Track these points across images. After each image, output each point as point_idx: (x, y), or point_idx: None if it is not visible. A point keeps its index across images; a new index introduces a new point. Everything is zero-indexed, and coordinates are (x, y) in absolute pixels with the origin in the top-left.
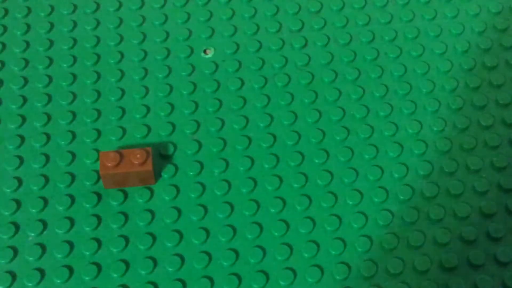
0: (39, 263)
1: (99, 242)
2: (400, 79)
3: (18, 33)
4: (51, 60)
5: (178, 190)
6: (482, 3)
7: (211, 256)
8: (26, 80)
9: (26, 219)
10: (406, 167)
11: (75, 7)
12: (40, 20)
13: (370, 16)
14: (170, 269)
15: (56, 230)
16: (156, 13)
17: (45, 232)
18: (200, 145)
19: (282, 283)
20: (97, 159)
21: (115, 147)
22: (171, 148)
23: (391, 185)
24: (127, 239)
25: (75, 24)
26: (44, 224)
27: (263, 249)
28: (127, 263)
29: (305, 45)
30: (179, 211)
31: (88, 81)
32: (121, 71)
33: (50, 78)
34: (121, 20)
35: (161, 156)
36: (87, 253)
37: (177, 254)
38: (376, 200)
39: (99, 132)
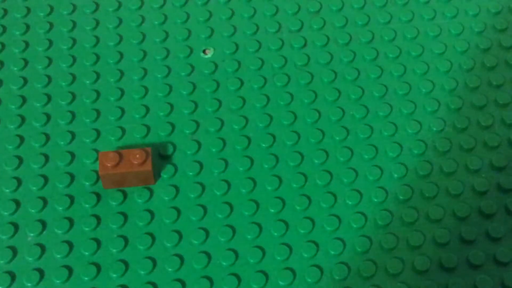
0: (39, 263)
1: (98, 242)
2: (399, 79)
3: (17, 33)
4: (50, 60)
5: (177, 190)
6: (481, 3)
7: (211, 256)
8: (25, 80)
9: (26, 220)
10: (405, 167)
11: (75, 7)
12: (40, 20)
13: (369, 16)
14: (170, 269)
15: (55, 230)
16: (156, 13)
17: (44, 232)
18: (199, 145)
19: (281, 283)
20: (97, 159)
21: (115, 147)
22: (171, 148)
23: (391, 185)
24: (126, 240)
25: (74, 24)
26: (44, 224)
27: (262, 249)
28: (126, 264)
29: (305, 45)
30: (178, 211)
31: (88, 81)
32: (121, 71)
33: (49, 78)
34: (120, 20)
35: (161, 156)
36: (86, 253)
37: (176, 255)
38: (375, 200)
39: (98, 132)
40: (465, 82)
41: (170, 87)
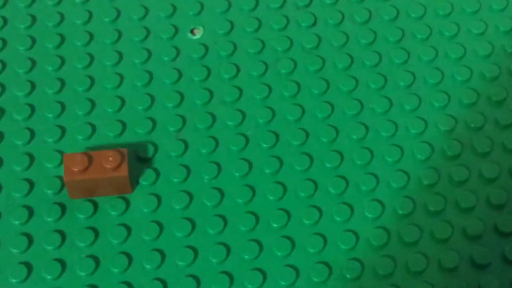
0: None
1: (63, 264)
2: (429, 65)
3: None
4: (4, 42)
5: (159, 201)
6: None
7: (199, 280)
8: None
9: None
10: (437, 173)
11: None
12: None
13: None
14: None
15: (10, 249)
16: None
17: None
18: (186, 145)
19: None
20: (61, 163)
21: (83, 148)
22: (151, 150)
23: (417, 194)
24: (97, 261)
25: (33, 0)
26: None
27: (263, 272)
28: None
29: (314, 23)
30: (160, 226)
31: (50, 68)
32: (90, 55)
33: (3, 63)
34: None
35: (139, 159)
36: (49, 277)
37: (157, 279)
38: (400, 212)
39: (63, 130)
40: (510, 68)
41: (151, 74)
